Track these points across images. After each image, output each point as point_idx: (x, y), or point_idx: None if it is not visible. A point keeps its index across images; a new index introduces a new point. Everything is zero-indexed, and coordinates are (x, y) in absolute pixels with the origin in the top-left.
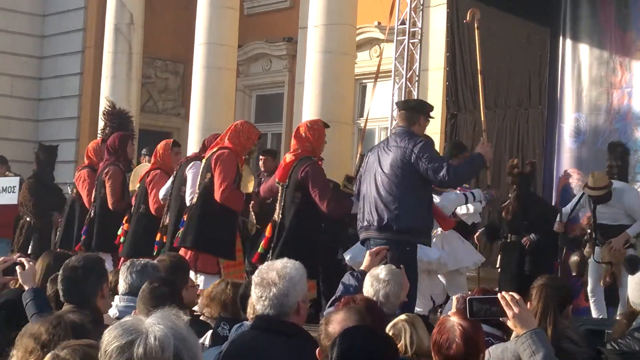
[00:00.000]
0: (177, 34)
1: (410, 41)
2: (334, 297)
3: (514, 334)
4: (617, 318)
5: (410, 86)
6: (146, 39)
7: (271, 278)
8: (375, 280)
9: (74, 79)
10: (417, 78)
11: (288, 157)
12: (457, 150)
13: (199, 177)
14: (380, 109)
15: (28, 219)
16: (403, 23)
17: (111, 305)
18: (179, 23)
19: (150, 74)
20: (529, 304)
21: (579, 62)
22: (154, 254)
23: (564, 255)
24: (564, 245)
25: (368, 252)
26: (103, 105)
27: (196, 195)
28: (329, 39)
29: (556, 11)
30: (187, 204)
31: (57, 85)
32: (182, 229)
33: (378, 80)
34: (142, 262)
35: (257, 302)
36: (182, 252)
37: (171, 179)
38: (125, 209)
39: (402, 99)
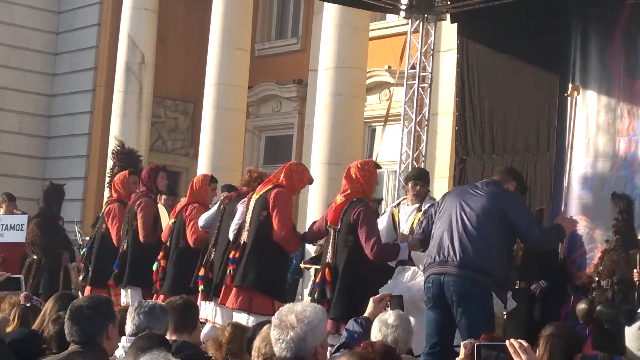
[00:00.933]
0: (187, 74)
1: (420, 85)
2: (339, 344)
3: None
4: None
5: (419, 130)
6: (157, 78)
7: (290, 321)
8: (384, 326)
9: (84, 117)
10: (426, 122)
11: (339, 198)
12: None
13: (251, 213)
14: (390, 153)
15: (36, 257)
16: (413, 67)
17: (118, 346)
18: (190, 63)
19: (160, 114)
20: (537, 352)
21: (587, 109)
22: (200, 289)
23: (572, 302)
24: (572, 292)
25: (372, 299)
26: (112, 143)
27: (246, 231)
28: (339, 81)
29: (565, 58)
30: (230, 237)
31: (67, 123)
32: (232, 266)
33: (387, 123)
34: (150, 303)
35: (275, 344)
36: (234, 292)
37: (214, 209)
38: (157, 243)
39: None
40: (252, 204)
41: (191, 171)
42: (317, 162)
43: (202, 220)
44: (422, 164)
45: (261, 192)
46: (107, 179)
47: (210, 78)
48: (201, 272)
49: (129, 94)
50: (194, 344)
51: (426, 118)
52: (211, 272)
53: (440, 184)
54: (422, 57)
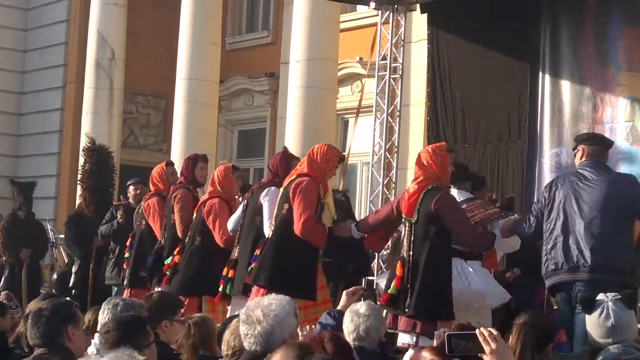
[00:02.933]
0: (158, 69)
1: (392, 76)
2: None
3: None
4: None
5: (391, 121)
6: (127, 74)
7: (256, 316)
8: (356, 315)
9: (54, 114)
10: (398, 113)
11: (411, 187)
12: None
13: (276, 208)
14: (362, 144)
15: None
16: (384, 58)
17: (89, 344)
18: (161, 58)
19: (131, 110)
20: (509, 339)
21: (560, 97)
22: (220, 289)
23: (546, 292)
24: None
25: (345, 292)
26: (84, 140)
27: (271, 228)
28: (310, 74)
29: (535, 47)
30: (267, 236)
31: (38, 121)
32: (254, 264)
33: (360, 115)
34: (123, 299)
35: (244, 339)
36: (254, 290)
37: (241, 207)
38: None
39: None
40: (279, 197)
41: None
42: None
43: (231, 224)
44: (395, 154)
45: (286, 184)
46: (79, 176)
47: (181, 73)
48: (224, 272)
49: (99, 90)
50: (163, 341)
51: (398, 109)
52: (234, 270)
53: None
54: (393, 48)
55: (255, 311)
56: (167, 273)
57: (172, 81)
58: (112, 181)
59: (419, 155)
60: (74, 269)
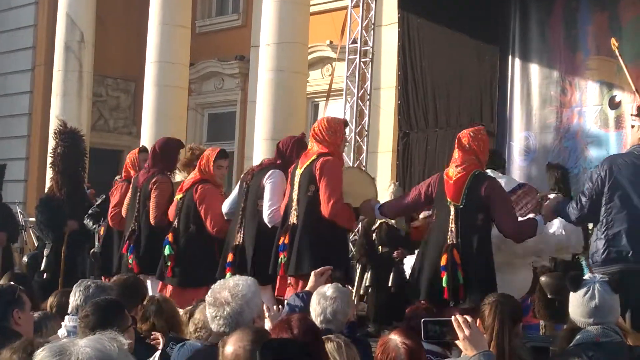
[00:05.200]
0: (128, 52)
1: (362, 60)
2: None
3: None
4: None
5: (362, 105)
6: (97, 57)
7: (224, 297)
8: (322, 298)
9: (23, 97)
10: (368, 97)
11: (454, 171)
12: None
13: (297, 190)
14: None
15: None
16: (354, 42)
17: (32, 327)
18: (130, 41)
19: (101, 92)
20: (478, 321)
21: (528, 81)
22: (228, 276)
23: None
24: None
25: (313, 272)
26: (54, 123)
27: (294, 212)
28: (280, 57)
29: (505, 31)
30: (266, 219)
31: (7, 104)
32: (283, 254)
33: (330, 98)
34: (94, 282)
35: (212, 322)
36: (292, 281)
37: (237, 190)
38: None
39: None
40: (296, 179)
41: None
42: (259, 138)
43: (226, 206)
44: (365, 138)
45: (305, 165)
46: (49, 159)
47: (151, 56)
48: (229, 258)
49: (68, 73)
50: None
51: (368, 92)
52: (240, 258)
53: (384, 158)
54: (363, 31)
55: (222, 292)
56: (168, 264)
57: (141, 64)
58: (84, 164)
59: (459, 139)
60: (45, 253)
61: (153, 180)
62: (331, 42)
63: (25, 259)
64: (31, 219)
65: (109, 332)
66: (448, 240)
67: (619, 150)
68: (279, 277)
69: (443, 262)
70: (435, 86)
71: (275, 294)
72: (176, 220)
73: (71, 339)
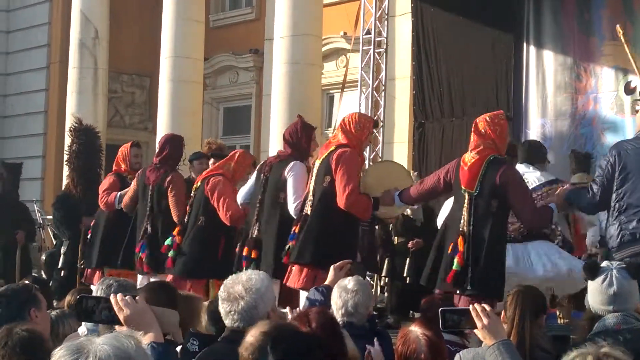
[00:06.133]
0: (142, 48)
1: (376, 51)
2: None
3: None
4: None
5: (377, 95)
6: (111, 53)
7: (238, 292)
8: (344, 291)
9: (39, 95)
10: (383, 87)
11: (469, 157)
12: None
13: (314, 181)
14: None
15: None
16: (368, 33)
17: (49, 326)
18: (144, 37)
19: (116, 89)
20: (502, 312)
21: (543, 68)
22: (245, 269)
23: None
24: None
25: (332, 266)
26: (69, 121)
27: (309, 202)
28: (295, 50)
29: (519, 18)
30: (292, 213)
31: (23, 102)
32: (292, 243)
33: (345, 90)
34: (117, 280)
35: (226, 317)
36: (295, 270)
37: (252, 181)
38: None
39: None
40: (314, 171)
41: (151, 145)
42: (275, 131)
43: (241, 196)
44: (381, 129)
45: (323, 156)
46: (66, 157)
47: (166, 51)
48: (245, 252)
49: (84, 70)
50: None
51: (383, 83)
52: (256, 250)
53: (400, 149)
54: (377, 22)
55: (236, 287)
56: (169, 255)
57: (156, 60)
58: (100, 161)
59: (476, 124)
60: (62, 250)
61: (168, 179)
62: (345, 33)
63: (43, 257)
64: (49, 217)
65: (126, 330)
66: (460, 228)
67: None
68: (290, 267)
69: (449, 249)
70: (450, 75)
71: (285, 282)
72: (187, 213)
73: (89, 337)
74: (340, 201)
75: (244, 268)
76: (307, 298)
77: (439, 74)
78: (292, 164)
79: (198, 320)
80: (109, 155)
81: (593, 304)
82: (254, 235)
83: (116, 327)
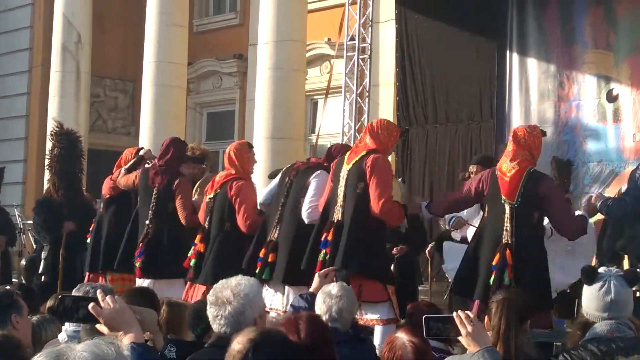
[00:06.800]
0: (125, 52)
1: (360, 57)
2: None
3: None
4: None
5: (360, 102)
6: (94, 57)
7: (226, 296)
8: (328, 297)
9: (21, 99)
10: (367, 93)
11: (508, 166)
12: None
13: (344, 187)
14: (332, 125)
15: None
16: (352, 39)
17: (29, 333)
18: (128, 41)
19: (99, 93)
20: (486, 318)
21: (526, 75)
22: (257, 271)
23: None
24: None
25: (317, 274)
26: (50, 125)
27: (339, 208)
28: (279, 55)
29: (502, 26)
30: (304, 216)
31: (4, 106)
32: (325, 250)
33: (329, 96)
34: (93, 286)
35: (214, 322)
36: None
37: (274, 183)
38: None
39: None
40: (342, 174)
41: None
42: (259, 137)
43: (262, 196)
44: None
45: (353, 161)
46: (47, 161)
47: (149, 55)
48: (261, 253)
49: (66, 74)
50: None
51: (367, 89)
52: (274, 254)
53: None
54: (361, 28)
55: (224, 292)
56: (192, 263)
57: (139, 64)
58: (81, 165)
59: (516, 134)
60: (43, 255)
61: (176, 182)
62: (329, 39)
63: (23, 262)
64: (29, 222)
65: (107, 337)
66: (503, 240)
67: (617, 143)
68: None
69: (494, 261)
70: (433, 82)
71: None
72: (207, 221)
73: (69, 344)
74: (376, 208)
75: (257, 269)
76: (292, 305)
77: (423, 80)
78: (319, 171)
79: (183, 328)
80: (91, 160)
81: (587, 310)
82: (272, 239)
83: (97, 326)
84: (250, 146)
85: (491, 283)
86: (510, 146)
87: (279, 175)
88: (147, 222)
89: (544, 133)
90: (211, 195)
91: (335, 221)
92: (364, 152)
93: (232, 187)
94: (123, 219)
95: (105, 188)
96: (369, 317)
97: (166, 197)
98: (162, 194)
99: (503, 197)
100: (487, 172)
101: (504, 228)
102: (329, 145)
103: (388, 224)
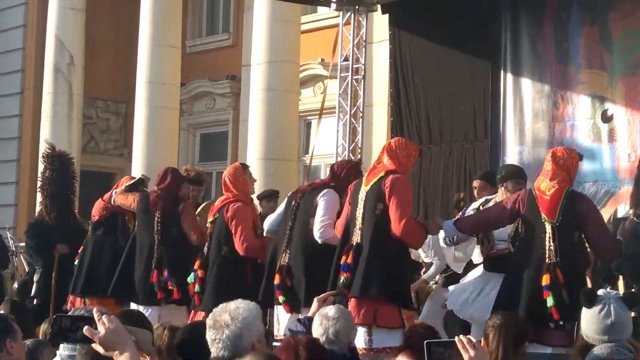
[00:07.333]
0: (118, 74)
1: (354, 77)
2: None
3: None
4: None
5: (354, 122)
6: (86, 79)
7: (224, 320)
8: (325, 319)
9: (13, 120)
10: (361, 114)
11: (546, 184)
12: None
13: (362, 209)
14: (326, 146)
15: None
16: (346, 59)
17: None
18: (120, 63)
19: (91, 115)
20: (482, 341)
21: (520, 95)
22: (281, 300)
23: None
24: None
25: (316, 298)
26: (43, 147)
27: (358, 231)
28: (272, 76)
29: (497, 46)
30: (316, 236)
31: None
32: (345, 274)
33: (322, 116)
34: (88, 310)
35: (212, 345)
36: (353, 303)
37: (282, 208)
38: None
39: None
40: (361, 196)
41: (126, 172)
42: (253, 158)
43: (268, 223)
44: (359, 155)
45: (372, 182)
46: (39, 183)
47: (142, 76)
48: (277, 280)
49: (58, 96)
50: None
51: (361, 110)
52: (289, 279)
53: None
54: (355, 49)
55: (223, 315)
56: (196, 291)
57: (132, 85)
58: (73, 188)
59: (555, 154)
60: (35, 278)
61: (181, 206)
62: (323, 60)
63: (15, 285)
64: (22, 244)
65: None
66: (547, 259)
67: (612, 163)
68: None
69: (546, 281)
70: (427, 102)
71: None
72: (206, 245)
73: None
74: (397, 229)
75: (280, 298)
76: (289, 329)
77: (417, 100)
78: (325, 190)
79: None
80: (84, 182)
81: (587, 332)
82: (284, 263)
83: (92, 345)
84: (245, 167)
85: (551, 304)
86: (549, 166)
87: (285, 201)
88: (155, 247)
89: (581, 157)
90: (210, 219)
91: (354, 244)
92: (382, 173)
93: (228, 209)
94: (106, 242)
95: (96, 210)
96: (383, 345)
97: (171, 221)
98: (165, 219)
99: (543, 215)
100: (524, 192)
101: (547, 247)
102: (322, 166)
103: (409, 246)
